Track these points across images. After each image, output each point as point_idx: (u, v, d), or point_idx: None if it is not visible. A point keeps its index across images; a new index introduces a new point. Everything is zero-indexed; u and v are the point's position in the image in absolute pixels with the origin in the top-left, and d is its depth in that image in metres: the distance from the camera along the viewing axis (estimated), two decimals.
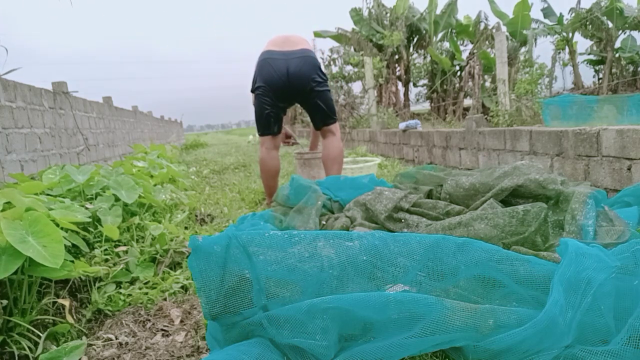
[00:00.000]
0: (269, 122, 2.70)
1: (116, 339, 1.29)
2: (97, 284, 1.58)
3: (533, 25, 10.69)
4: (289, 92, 2.63)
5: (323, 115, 2.77)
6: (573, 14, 10.28)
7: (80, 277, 1.57)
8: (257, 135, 3.24)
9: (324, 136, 2.86)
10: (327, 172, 2.81)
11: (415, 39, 12.72)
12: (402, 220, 1.86)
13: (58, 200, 1.80)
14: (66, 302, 1.34)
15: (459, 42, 11.87)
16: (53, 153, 3.63)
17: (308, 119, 3.05)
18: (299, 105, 3.07)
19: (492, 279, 1.09)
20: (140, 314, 1.45)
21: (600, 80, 10.99)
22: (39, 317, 1.31)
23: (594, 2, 10.05)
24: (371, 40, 11.95)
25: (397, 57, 12.39)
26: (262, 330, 1.01)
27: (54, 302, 1.40)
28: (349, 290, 1.06)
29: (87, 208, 1.91)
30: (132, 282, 1.68)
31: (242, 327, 1.03)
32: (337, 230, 1.87)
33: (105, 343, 1.28)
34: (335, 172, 2.78)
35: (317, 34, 12.53)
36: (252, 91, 2.75)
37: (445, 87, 12.21)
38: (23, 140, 3.10)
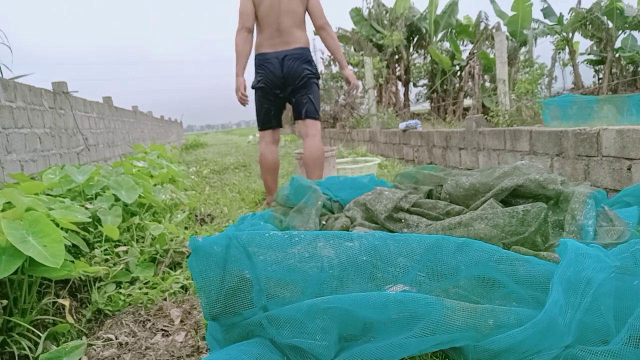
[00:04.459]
0: (268, 116, 2.89)
1: (116, 339, 1.29)
2: (97, 284, 1.58)
3: (533, 25, 10.68)
4: (285, 86, 2.80)
5: (309, 108, 2.82)
6: (573, 14, 10.27)
7: (80, 277, 1.57)
8: (257, 134, 3.30)
9: (308, 133, 2.85)
10: (308, 175, 2.80)
11: (415, 39, 12.71)
12: (402, 221, 1.86)
13: (58, 200, 1.80)
14: (66, 302, 1.34)
15: (459, 42, 11.86)
16: (53, 153, 3.63)
17: None
18: None
19: (492, 279, 1.09)
20: (140, 314, 1.45)
21: (600, 80, 10.99)
22: (39, 317, 1.31)
23: (594, 2, 10.04)
24: (371, 40, 11.95)
25: (397, 57, 12.38)
26: (262, 330, 1.01)
27: (54, 302, 1.40)
28: (349, 291, 1.06)
29: (87, 208, 1.91)
30: (132, 282, 1.68)
31: (242, 327, 1.03)
32: (337, 230, 1.87)
33: (105, 343, 1.28)
34: (317, 174, 2.78)
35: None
36: (252, 87, 2.88)
37: (445, 87, 12.20)
38: (23, 140, 3.10)
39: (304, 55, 2.77)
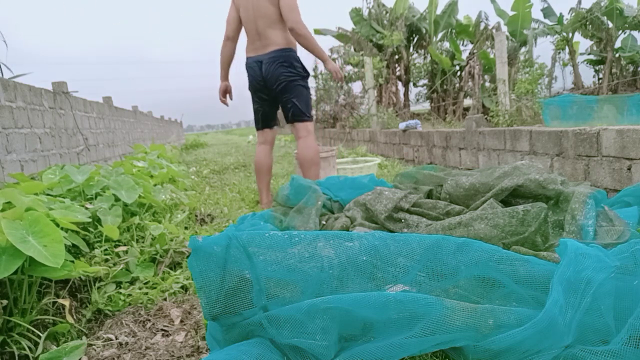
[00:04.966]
0: (258, 117, 2.99)
1: (116, 339, 1.29)
2: (97, 284, 1.58)
3: (533, 25, 10.68)
4: (267, 89, 2.83)
5: (295, 112, 2.81)
6: (573, 14, 10.27)
7: (80, 277, 1.57)
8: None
9: (298, 136, 2.86)
10: (304, 175, 2.83)
11: (415, 39, 12.71)
12: (402, 221, 1.87)
13: (58, 200, 1.80)
14: (66, 302, 1.34)
15: (459, 42, 11.85)
16: (53, 153, 3.63)
17: None
18: None
19: (492, 279, 1.09)
20: (140, 314, 1.45)
21: (600, 80, 10.99)
22: (39, 317, 1.31)
23: (594, 2, 10.04)
24: (371, 41, 11.94)
25: (397, 57, 12.37)
26: (262, 330, 1.01)
27: (54, 302, 1.40)
28: (349, 291, 1.06)
29: (87, 208, 1.91)
30: (132, 282, 1.68)
31: (242, 327, 1.03)
32: (337, 230, 1.87)
33: (105, 343, 1.28)
34: (313, 174, 2.80)
35: (318, 32, 12.54)
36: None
37: (445, 87, 12.20)
38: (23, 140, 3.10)
39: (280, 58, 2.72)
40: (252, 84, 2.87)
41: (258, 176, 2.94)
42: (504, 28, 10.27)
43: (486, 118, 4.34)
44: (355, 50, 11.32)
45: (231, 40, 2.90)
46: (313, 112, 10.15)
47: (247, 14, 2.78)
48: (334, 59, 10.50)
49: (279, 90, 2.77)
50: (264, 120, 2.96)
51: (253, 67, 2.81)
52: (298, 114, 2.81)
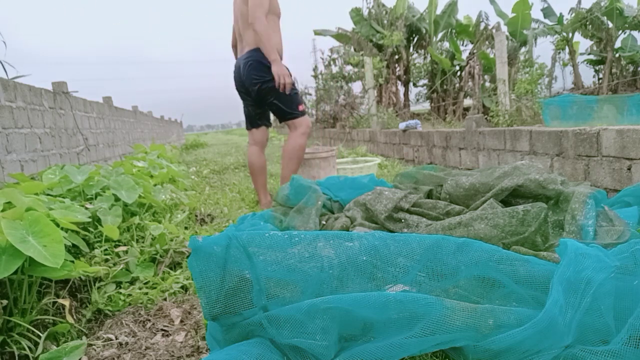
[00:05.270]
0: (246, 117, 3.05)
1: (116, 339, 1.29)
2: (97, 284, 1.58)
3: (533, 25, 10.69)
4: (247, 92, 2.85)
5: (279, 112, 2.83)
6: (573, 14, 10.28)
7: (80, 277, 1.57)
8: None
9: (289, 130, 2.93)
10: (281, 168, 2.89)
11: (415, 39, 12.71)
12: (402, 221, 1.87)
13: (58, 200, 1.80)
14: (66, 302, 1.34)
15: (459, 42, 11.85)
16: (53, 153, 3.63)
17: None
18: None
19: (492, 279, 1.09)
20: (140, 314, 1.45)
21: (600, 80, 10.99)
22: (39, 317, 1.31)
23: (594, 2, 10.04)
24: (371, 41, 11.95)
25: (397, 57, 12.37)
26: (262, 330, 1.01)
27: (54, 302, 1.40)
28: (349, 291, 1.06)
29: (87, 208, 1.91)
30: (132, 282, 1.68)
31: (242, 327, 1.03)
32: (337, 230, 1.87)
33: (105, 343, 1.28)
34: (289, 168, 2.83)
35: (317, 32, 12.55)
36: None
37: (445, 87, 12.20)
38: (23, 140, 3.10)
39: (251, 60, 2.71)
40: (236, 85, 2.92)
41: (252, 177, 2.97)
42: (504, 28, 10.28)
43: (486, 118, 4.34)
44: (355, 50, 11.32)
45: (234, 47, 3.07)
46: (313, 112, 10.16)
47: (234, 16, 2.86)
48: (333, 59, 10.49)
49: (256, 94, 2.78)
50: (250, 120, 3.00)
51: (236, 69, 2.87)
52: (283, 114, 2.84)
